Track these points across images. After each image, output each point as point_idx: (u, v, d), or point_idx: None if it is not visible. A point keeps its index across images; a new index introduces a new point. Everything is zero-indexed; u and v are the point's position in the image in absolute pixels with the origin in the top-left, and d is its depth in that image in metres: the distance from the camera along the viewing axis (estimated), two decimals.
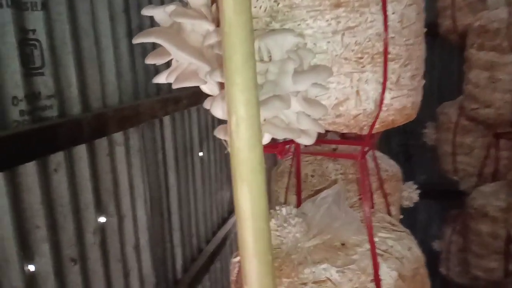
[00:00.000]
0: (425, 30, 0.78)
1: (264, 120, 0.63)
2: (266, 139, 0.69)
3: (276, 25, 0.67)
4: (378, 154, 1.36)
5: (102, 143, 1.42)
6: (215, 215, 2.55)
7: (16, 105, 1.07)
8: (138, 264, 1.63)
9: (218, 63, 0.66)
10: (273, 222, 0.85)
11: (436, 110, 2.35)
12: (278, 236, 0.83)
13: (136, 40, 0.69)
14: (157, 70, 1.27)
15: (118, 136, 1.51)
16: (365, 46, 0.67)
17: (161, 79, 0.78)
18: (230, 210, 2.82)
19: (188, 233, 2.15)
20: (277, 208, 0.87)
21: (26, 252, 1.10)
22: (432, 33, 2.21)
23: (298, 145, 1.02)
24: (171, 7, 0.71)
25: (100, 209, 1.42)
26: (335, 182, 1.23)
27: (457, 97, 2.18)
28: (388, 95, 0.70)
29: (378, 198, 1.26)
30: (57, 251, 1.21)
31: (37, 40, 1.14)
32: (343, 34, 0.66)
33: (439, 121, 2.28)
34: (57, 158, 1.21)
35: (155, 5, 0.82)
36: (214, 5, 0.72)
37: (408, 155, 3.11)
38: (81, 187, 1.33)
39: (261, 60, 0.64)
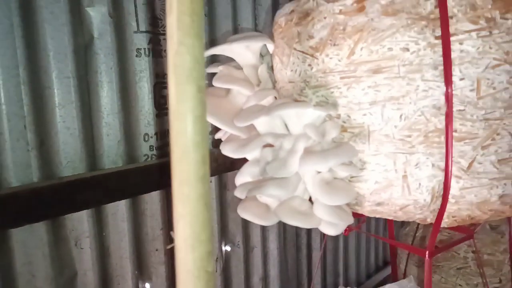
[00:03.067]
0: None
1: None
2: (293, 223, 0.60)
3: (309, 92, 0.58)
4: None
5: (233, 176, 1.48)
6: (373, 256, 2.38)
7: (146, 141, 1.22)
8: None
9: (244, 128, 0.62)
10: None
11: None
12: None
13: None
14: None
15: None
16: (415, 121, 0.52)
17: (220, 135, 0.78)
18: (386, 260, 2.59)
19: (333, 272, 2.06)
20: None
21: (143, 272, 1.24)
22: None
23: (391, 225, 0.86)
24: (219, 68, 0.70)
25: (226, 238, 1.49)
26: (463, 259, 0.98)
27: None
28: (455, 185, 0.53)
29: None
30: (174, 273, 1.32)
31: None
32: (384, 106, 0.52)
33: None
34: None
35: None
36: (261, 67, 0.68)
37: None
38: None
39: (280, 134, 0.57)
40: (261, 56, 0.70)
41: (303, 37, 0.57)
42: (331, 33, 0.54)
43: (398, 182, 0.54)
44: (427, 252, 0.60)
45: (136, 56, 1.17)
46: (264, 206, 0.58)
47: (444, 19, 0.49)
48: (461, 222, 0.56)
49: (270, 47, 0.64)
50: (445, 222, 0.56)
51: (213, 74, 0.94)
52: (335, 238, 2.07)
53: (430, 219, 0.56)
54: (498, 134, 0.52)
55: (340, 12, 0.54)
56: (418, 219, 0.56)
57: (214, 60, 1.23)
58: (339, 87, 0.55)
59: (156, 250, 1.26)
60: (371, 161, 0.54)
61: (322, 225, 0.54)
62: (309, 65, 0.57)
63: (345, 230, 0.72)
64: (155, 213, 1.25)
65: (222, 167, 1.41)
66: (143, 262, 1.23)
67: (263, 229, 1.64)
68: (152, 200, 1.24)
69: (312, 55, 0.56)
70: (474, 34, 0.50)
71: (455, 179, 0.52)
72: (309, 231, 1.87)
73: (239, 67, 0.68)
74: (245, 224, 1.57)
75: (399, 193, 0.54)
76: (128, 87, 1.17)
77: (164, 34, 1.24)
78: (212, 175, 1.40)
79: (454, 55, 0.50)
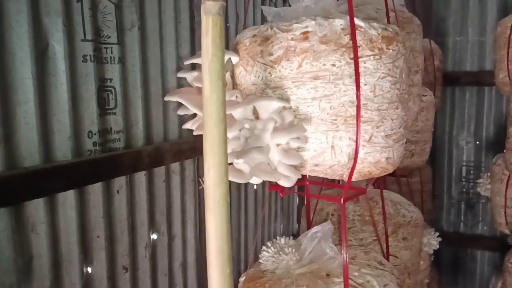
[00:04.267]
0: (406, 96, 0.91)
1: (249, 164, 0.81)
2: (256, 181, 0.86)
3: (269, 91, 0.85)
4: (399, 199, 1.45)
5: (160, 171, 1.68)
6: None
7: (90, 138, 1.36)
8: (183, 280, 1.84)
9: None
10: (271, 250, 1.01)
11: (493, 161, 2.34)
12: (274, 262, 0.99)
13: (166, 98, 0.92)
14: None
15: (175, 166, 1.76)
16: (339, 110, 0.82)
17: (188, 125, 1.01)
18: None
19: (236, 259, 2.33)
20: (277, 238, 1.03)
21: (87, 257, 1.36)
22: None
23: (307, 186, 1.17)
24: (195, 73, 0.93)
25: (153, 227, 1.67)
26: (352, 221, 1.34)
27: None
28: (362, 151, 0.85)
29: (394, 242, 1.35)
30: (112, 258, 1.46)
31: (112, 87, 1.44)
32: (320, 100, 0.82)
33: (493, 172, 2.25)
34: (120, 182, 1.48)
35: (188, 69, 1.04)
36: (228, 73, 0.93)
37: (471, 204, 3.03)
38: (139, 207, 1.58)
39: (252, 119, 0.83)
40: None
41: (264, 53, 0.85)
42: (286, 52, 0.83)
43: (328, 150, 0.84)
44: (342, 199, 0.92)
45: (83, 61, 1.33)
46: (239, 170, 0.82)
47: (355, 48, 0.81)
48: (364, 176, 0.88)
49: (235, 59, 0.89)
50: (355, 176, 0.87)
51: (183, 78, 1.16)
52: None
53: (346, 175, 0.87)
54: (385, 119, 0.85)
55: (292, 39, 0.82)
56: (339, 175, 0.87)
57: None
58: (291, 88, 0.83)
59: (98, 236, 1.41)
60: (311, 136, 0.83)
61: (281, 179, 0.81)
62: (269, 73, 0.85)
63: (283, 192, 1.01)
64: (97, 203, 1.39)
65: (153, 163, 1.60)
66: (86, 247, 1.36)
67: (183, 219, 1.84)
68: (94, 191, 1.38)
69: (271, 66, 0.84)
70: (372, 57, 0.82)
71: (361, 147, 0.84)
72: None
73: None
74: (169, 214, 1.76)
75: (329, 157, 0.84)
76: (76, 89, 1.31)
77: (105, 43, 1.40)
78: (144, 169, 1.58)
79: (360, 69, 0.82)
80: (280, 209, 2.87)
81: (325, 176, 0.88)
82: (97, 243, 1.40)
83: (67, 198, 1.28)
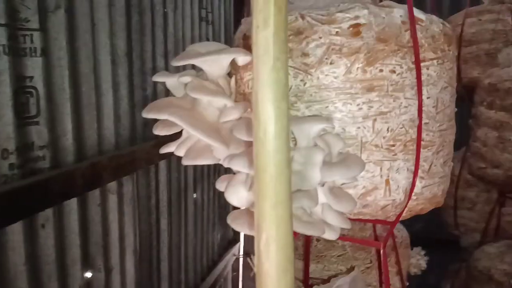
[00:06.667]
0: (456, 109, 0.73)
1: None
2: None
3: (301, 106, 0.61)
4: None
5: (94, 193, 1.34)
6: (205, 258, 2.46)
7: (6, 158, 0.99)
8: None
9: (235, 141, 0.60)
10: None
11: None
12: None
13: (148, 115, 0.62)
14: None
15: (112, 185, 1.43)
16: (398, 132, 0.61)
17: (169, 149, 0.72)
18: (220, 252, 2.72)
19: (177, 281, 2.05)
20: None
21: None
22: None
23: None
24: (186, 78, 0.65)
25: (87, 263, 1.33)
26: (342, 247, 1.15)
27: (460, 149, 2.13)
28: (419, 184, 0.64)
29: (391, 267, 1.19)
30: None
31: (33, 87, 1.08)
32: (375, 120, 0.60)
33: None
34: (46, 213, 1.12)
35: (167, 71, 0.75)
36: (233, 79, 0.66)
37: None
38: (69, 242, 1.24)
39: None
40: None
41: (295, 53, 0.60)
42: (327, 52, 0.59)
43: (382, 185, 0.62)
44: (382, 244, 0.71)
45: None
46: None
47: (416, 49, 0.60)
48: (413, 213, 0.69)
49: (244, 59, 0.63)
50: (403, 216, 0.67)
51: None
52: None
53: (393, 215, 0.66)
54: (445, 142, 0.66)
55: (337, 34, 0.58)
56: (388, 217, 0.66)
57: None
58: (335, 103, 0.59)
59: None
60: None
61: (326, 232, 0.58)
62: (302, 80, 0.60)
63: (296, 234, 0.77)
64: (17, 246, 1.04)
65: (88, 185, 1.27)
66: None
67: (121, 247, 1.53)
68: (13, 231, 1.03)
69: (306, 72, 0.59)
70: (435, 61, 0.62)
71: (419, 179, 0.64)
72: (158, 241, 1.81)
73: (204, 78, 0.65)
74: (105, 244, 1.44)
75: (382, 195, 0.62)
76: None
77: (23, 29, 1.05)
78: (76, 194, 1.24)
79: (423, 78, 0.61)
80: (218, 217, 2.62)
81: (370, 219, 0.66)
82: None
83: None
